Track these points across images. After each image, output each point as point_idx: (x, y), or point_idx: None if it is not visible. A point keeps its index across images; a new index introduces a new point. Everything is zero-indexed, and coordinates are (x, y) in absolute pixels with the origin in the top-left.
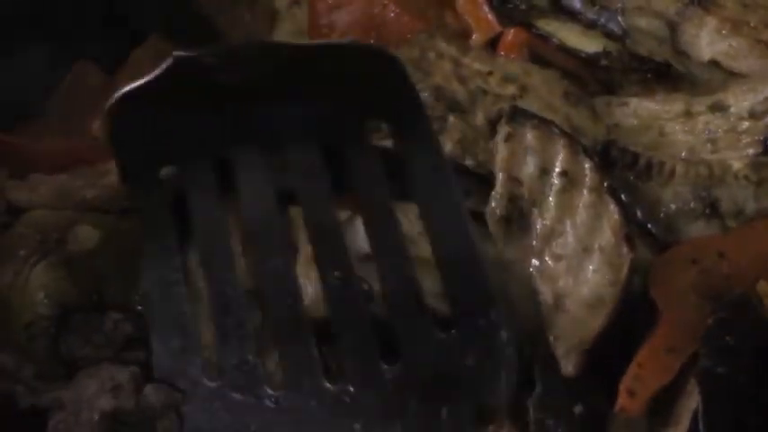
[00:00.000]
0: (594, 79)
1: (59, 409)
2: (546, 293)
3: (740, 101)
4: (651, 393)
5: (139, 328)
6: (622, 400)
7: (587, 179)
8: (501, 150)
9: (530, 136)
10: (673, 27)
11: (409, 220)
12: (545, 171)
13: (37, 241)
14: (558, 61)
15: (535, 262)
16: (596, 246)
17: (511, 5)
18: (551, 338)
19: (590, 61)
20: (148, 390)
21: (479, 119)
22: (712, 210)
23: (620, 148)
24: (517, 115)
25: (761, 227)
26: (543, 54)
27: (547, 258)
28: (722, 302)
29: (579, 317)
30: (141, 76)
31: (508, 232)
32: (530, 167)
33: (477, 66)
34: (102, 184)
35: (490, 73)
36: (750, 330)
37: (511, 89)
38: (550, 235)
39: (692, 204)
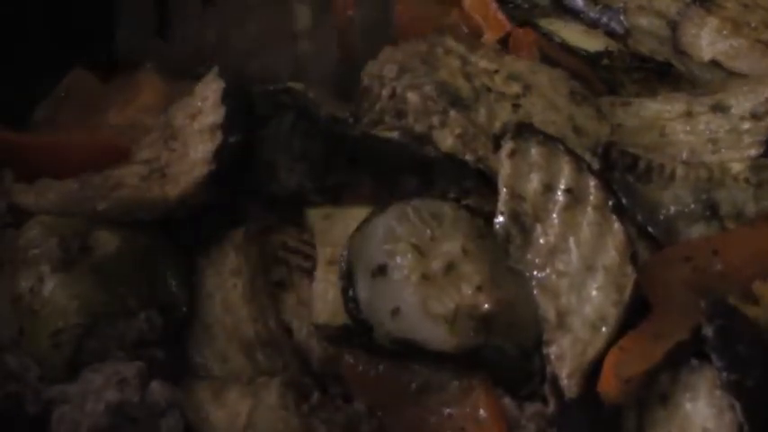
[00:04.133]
0: (597, 78)
1: (64, 402)
2: (548, 310)
3: (741, 101)
4: (632, 377)
5: (153, 328)
6: (602, 383)
7: (592, 197)
8: (505, 166)
9: (534, 152)
10: (674, 27)
11: None
12: (549, 188)
13: (56, 246)
14: (564, 60)
15: (538, 275)
16: (600, 264)
17: (512, 5)
18: (552, 357)
19: (592, 60)
20: (154, 386)
21: (482, 115)
22: (712, 212)
23: (620, 151)
24: (523, 131)
25: (756, 227)
26: (551, 53)
27: (549, 273)
28: (708, 309)
29: (582, 336)
30: None
31: (511, 247)
32: (533, 184)
33: (484, 64)
34: (114, 197)
35: (497, 71)
36: (753, 334)
37: (515, 88)
38: (553, 251)
39: (691, 206)
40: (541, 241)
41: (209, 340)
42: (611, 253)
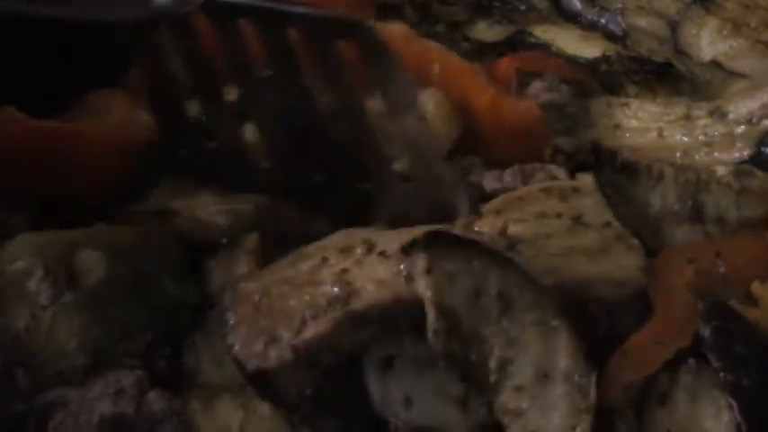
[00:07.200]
0: (597, 82)
1: (63, 406)
2: None
3: (739, 106)
4: (632, 383)
5: (157, 342)
6: (605, 387)
7: (524, 300)
8: (425, 283)
9: (452, 260)
10: (674, 27)
11: None
12: (478, 293)
13: (43, 276)
14: (554, 70)
15: (496, 398)
16: (556, 370)
17: (510, 6)
18: None
19: (591, 67)
20: (152, 396)
21: None
22: (697, 215)
23: (609, 151)
24: (435, 240)
25: (758, 231)
26: (538, 69)
27: (507, 392)
28: (705, 310)
29: None
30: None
31: (458, 370)
32: (462, 293)
33: None
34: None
35: None
36: (750, 334)
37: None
38: (504, 364)
39: (676, 208)
40: (488, 355)
41: (207, 345)
42: (561, 356)
